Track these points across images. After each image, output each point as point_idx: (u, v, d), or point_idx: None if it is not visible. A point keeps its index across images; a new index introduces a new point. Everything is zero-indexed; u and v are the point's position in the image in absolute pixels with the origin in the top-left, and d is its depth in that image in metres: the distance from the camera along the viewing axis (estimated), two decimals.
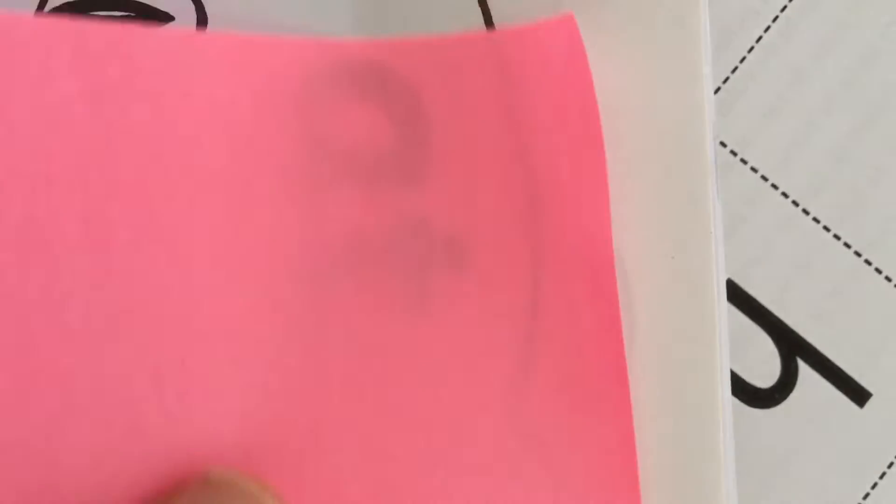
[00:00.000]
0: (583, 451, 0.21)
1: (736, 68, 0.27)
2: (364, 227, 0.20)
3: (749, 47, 0.27)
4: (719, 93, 0.26)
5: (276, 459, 0.20)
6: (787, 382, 0.26)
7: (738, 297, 0.26)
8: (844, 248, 0.26)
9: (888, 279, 0.26)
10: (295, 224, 0.20)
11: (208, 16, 0.22)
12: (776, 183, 0.26)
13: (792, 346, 0.26)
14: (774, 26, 0.27)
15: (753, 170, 0.26)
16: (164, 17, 0.22)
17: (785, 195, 0.26)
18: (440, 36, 0.21)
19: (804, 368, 0.26)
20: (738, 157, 0.26)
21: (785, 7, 0.27)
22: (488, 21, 0.22)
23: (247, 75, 0.20)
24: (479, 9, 0.22)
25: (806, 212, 0.26)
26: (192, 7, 0.22)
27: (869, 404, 0.26)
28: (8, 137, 0.19)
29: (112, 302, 0.19)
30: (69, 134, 0.19)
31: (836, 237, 0.26)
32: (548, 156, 0.21)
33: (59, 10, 0.22)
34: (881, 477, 0.26)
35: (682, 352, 0.22)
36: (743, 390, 0.26)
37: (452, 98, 0.20)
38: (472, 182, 0.21)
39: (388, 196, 0.20)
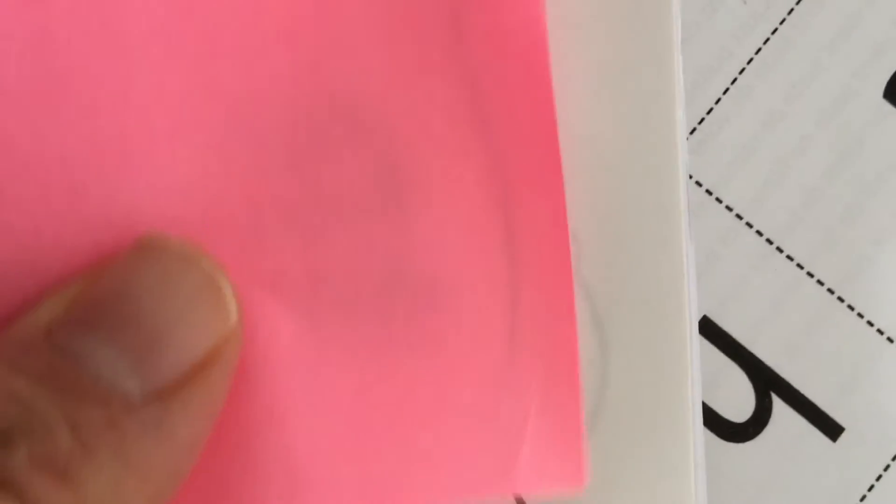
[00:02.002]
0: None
1: (711, 109, 0.27)
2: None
3: (724, 88, 0.27)
4: (695, 133, 0.27)
5: (216, 236, 0.19)
6: (761, 417, 0.26)
7: (712, 333, 0.26)
8: (818, 286, 0.27)
9: (860, 315, 0.27)
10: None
11: None
12: (750, 221, 0.27)
13: (766, 382, 0.26)
14: (749, 68, 0.27)
15: (728, 209, 0.27)
16: None
17: (759, 233, 0.27)
18: None
19: (778, 403, 0.26)
20: (713, 197, 0.27)
21: (759, 49, 0.27)
22: None
23: None
24: None
25: (780, 249, 0.27)
26: None
27: (842, 438, 0.26)
28: None
29: (48, 62, 0.19)
30: None
31: (810, 274, 0.27)
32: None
33: None
34: None
35: (654, 393, 0.22)
36: (718, 425, 0.26)
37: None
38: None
39: None
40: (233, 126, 0.20)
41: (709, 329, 0.26)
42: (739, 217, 0.27)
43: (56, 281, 0.19)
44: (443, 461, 0.20)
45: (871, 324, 0.27)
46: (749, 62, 0.27)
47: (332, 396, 0.20)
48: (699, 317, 0.26)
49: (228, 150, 0.20)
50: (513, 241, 0.21)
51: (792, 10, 0.27)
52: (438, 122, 0.20)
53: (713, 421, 0.26)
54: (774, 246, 0.27)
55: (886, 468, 0.26)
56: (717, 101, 0.27)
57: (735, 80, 0.27)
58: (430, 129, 0.20)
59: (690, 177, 0.27)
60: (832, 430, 0.26)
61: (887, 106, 0.27)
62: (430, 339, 0.20)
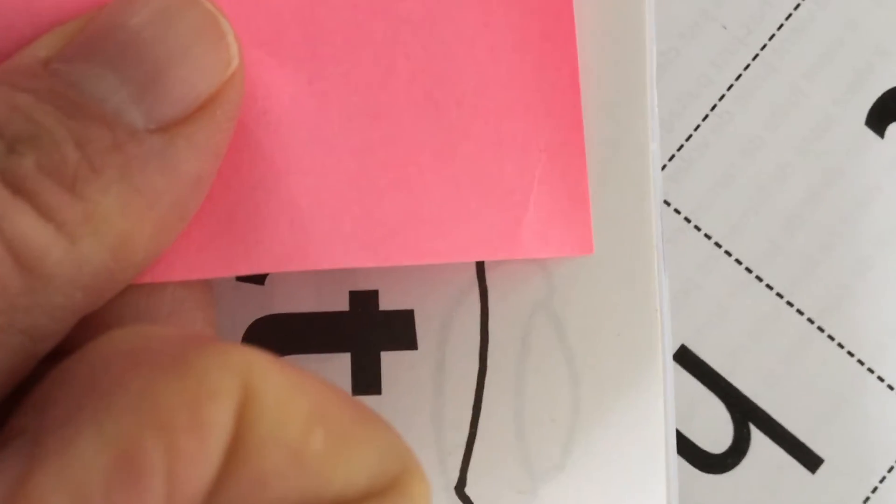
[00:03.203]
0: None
1: (690, 136, 0.27)
2: None
3: (704, 115, 0.27)
4: (673, 160, 0.27)
5: None
6: (739, 448, 0.26)
7: (690, 363, 0.26)
8: (797, 315, 0.26)
9: (840, 346, 0.26)
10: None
11: None
12: (729, 249, 0.27)
13: (744, 412, 0.26)
14: (729, 94, 0.27)
15: (707, 236, 0.27)
16: None
17: (738, 262, 0.27)
18: None
19: (756, 434, 0.26)
20: (691, 224, 0.27)
21: (740, 76, 0.27)
22: None
23: None
24: None
25: (759, 278, 0.27)
26: None
27: (821, 470, 0.26)
28: None
29: None
30: None
31: (789, 304, 0.26)
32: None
33: None
34: None
35: (628, 426, 0.22)
36: (695, 456, 0.26)
37: None
38: None
39: None
40: None
41: (686, 358, 0.26)
42: (718, 245, 0.27)
43: (54, 25, 0.19)
44: (446, 223, 0.20)
45: (851, 354, 0.26)
46: (729, 88, 0.27)
47: (335, 155, 0.20)
48: (676, 346, 0.26)
49: None
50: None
51: (773, 35, 0.27)
52: None
53: (690, 452, 0.26)
54: (754, 274, 0.27)
55: (866, 500, 0.26)
56: (697, 128, 0.27)
57: (715, 106, 0.27)
58: None
59: (669, 204, 0.26)
60: (811, 461, 0.26)
61: (869, 133, 0.27)
62: (432, 103, 0.20)
